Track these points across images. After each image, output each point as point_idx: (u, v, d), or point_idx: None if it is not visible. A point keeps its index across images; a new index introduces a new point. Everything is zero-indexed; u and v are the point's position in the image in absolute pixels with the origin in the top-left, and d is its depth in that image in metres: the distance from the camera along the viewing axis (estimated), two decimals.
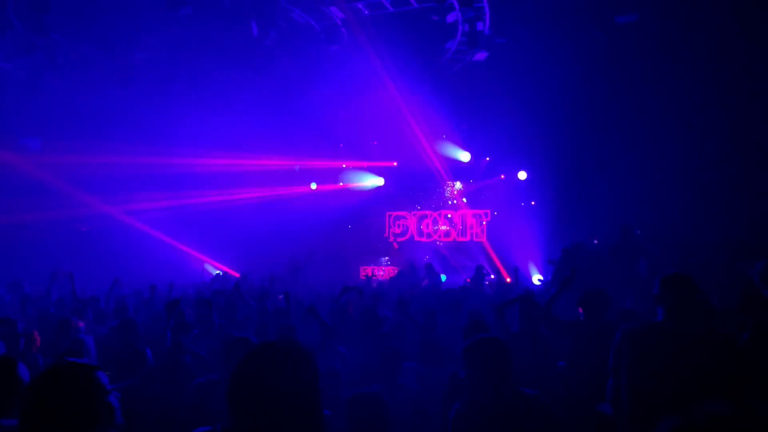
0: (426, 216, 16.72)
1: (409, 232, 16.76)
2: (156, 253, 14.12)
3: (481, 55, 11.13)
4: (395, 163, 16.69)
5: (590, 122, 13.04)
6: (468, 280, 12.71)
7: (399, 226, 16.83)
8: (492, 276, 13.83)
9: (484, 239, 16.02)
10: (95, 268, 11.85)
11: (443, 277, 13.88)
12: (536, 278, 13.70)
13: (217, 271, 14.16)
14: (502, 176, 15.91)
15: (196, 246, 15.25)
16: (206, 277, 14.01)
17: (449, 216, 16.57)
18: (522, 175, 15.34)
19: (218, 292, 9.06)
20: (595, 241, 11.89)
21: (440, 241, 16.55)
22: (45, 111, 13.55)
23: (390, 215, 16.86)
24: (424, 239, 16.64)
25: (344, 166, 16.99)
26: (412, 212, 16.79)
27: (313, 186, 17.00)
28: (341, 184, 17.20)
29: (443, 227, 16.64)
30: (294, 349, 2.06)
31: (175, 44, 11.69)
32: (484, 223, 16.15)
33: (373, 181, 17.17)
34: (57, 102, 13.33)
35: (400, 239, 16.75)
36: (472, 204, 16.38)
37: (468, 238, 16.33)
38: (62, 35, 11.76)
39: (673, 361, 3.33)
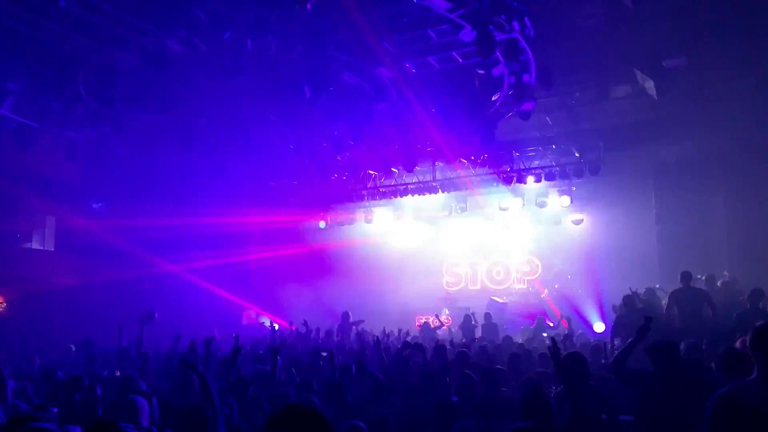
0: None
1: (463, 280, 16.68)
2: (216, 308, 14.47)
3: (529, 105, 11.21)
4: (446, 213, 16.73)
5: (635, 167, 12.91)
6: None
7: (453, 274, 16.77)
8: (551, 324, 13.57)
9: (540, 288, 15.81)
10: (158, 326, 12.21)
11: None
12: (598, 326, 13.34)
13: (274, 324, 14.34)
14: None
15: (256, 301, 15.57)
16: (264, 330, 14.20)
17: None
18: None
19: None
20: (657, 286, 11.65)
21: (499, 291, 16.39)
22: (109, 176, 14.29)
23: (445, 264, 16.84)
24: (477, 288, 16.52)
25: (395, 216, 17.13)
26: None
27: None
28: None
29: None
30: (310, 415, 2.13)
31: (232, 109, 12.24)
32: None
33: (423, 231, 17.25)
34: (121, 166, 14.07)
35: (453, 288, 16.67)
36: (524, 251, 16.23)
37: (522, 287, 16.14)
38: (126, 104, 12.49)
39: None
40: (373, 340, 8.40)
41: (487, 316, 13.97)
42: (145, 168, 13.88)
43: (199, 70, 11.51)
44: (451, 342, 10.95)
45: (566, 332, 12.08)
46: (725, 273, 11.01)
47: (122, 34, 10.70)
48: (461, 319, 14.30)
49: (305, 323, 11.37)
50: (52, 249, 15.92)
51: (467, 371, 6.31)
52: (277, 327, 14.62)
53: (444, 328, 14.15)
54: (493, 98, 11.20)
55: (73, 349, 10.36)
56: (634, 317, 8.63)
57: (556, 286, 15.86)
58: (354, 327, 13.17)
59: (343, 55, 10.40)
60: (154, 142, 13.15)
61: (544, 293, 15.64)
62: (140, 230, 14.54)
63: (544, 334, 11.97)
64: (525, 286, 16.38)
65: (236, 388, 5.86)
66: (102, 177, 14.23)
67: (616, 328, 9.80)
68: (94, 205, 15.46)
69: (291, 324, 13.38)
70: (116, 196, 14.87)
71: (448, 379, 6.81)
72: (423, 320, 15.74)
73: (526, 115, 11.38)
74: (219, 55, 11.04)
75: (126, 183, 14.27)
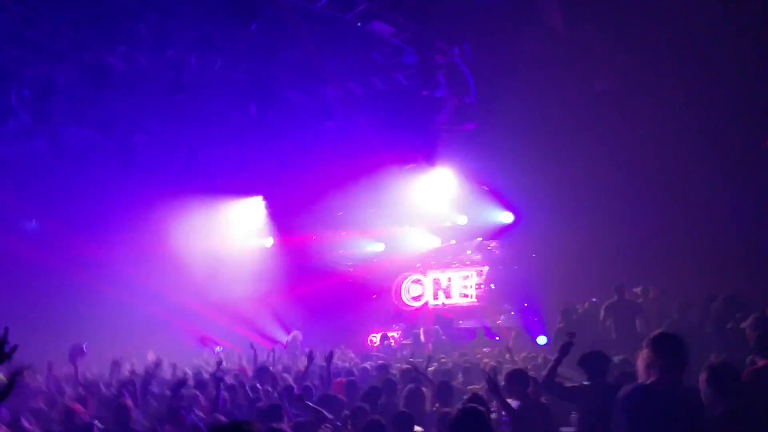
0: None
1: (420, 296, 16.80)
2: (159, 333, 14.05)
3: (470, 126, 11.62)
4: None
5: (577, 183, 13.47)
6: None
7: (412, 290, 16.85)
8: (497, 338, 13.88)
9: (483, 300, 16.14)
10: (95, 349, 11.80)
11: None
12: (540, 339, 13.75)
13: (218, 348, 14.12)
14: (479, 239, 16.23)
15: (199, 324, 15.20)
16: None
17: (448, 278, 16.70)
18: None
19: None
20: (594, 300, 12.02)
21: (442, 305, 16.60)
22: (43, 193, 13.76)
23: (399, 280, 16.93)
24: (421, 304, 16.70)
25: (343, 234, 17.17)
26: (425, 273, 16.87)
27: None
28: (341, 251, 17.36)
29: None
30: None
31: (174, 126, 12.10)
32: (482, 284, 16.31)
33: (373, 248, 17.31)
34: (56, 184, 13.57)
35: (413, 302, 16.75)
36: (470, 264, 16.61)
37: (466, 300, 16.44)
38: (63, 119, 12.12)
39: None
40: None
41: (436, 332, 14.20)
42: (82, 185, 13.46)
43: (140, 86, 11.34)
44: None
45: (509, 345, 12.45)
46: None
47: (61, 48, 10.44)
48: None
49: (252, 345, 11.12)
50: None
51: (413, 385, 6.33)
52: (220, 349, 14.39)
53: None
54: (436, 119, 11.53)
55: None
56: (571, 329, 8.97)
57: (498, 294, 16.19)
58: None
59: (288, 73, 10.52)
60: (92, 159, 12.79)
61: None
62: (75, 250, 14.06)
63: (485, 349, 12.20)
64: (472, 300, 16.62)
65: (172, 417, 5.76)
66: (36, 194, 13.70)
67: (554, 341, 10.12)
68: (26, 224, 14.82)
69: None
70: (51, 215, 14.30)
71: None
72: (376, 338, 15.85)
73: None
74: (161, 72, 10.96)
75: (61, 201, 13.78)
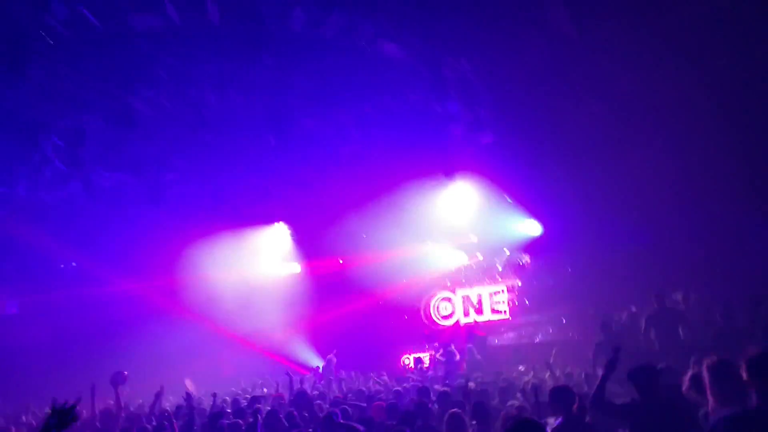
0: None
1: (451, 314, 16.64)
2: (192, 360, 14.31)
3: (487, 138, 11.63)
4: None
5: (606, 188, 13.26)
6: None
7: (442, 308, 16.71)
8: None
9: (516, 316, 15.90)
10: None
11: None
12: None
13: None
14: (507, 252, 16.01)
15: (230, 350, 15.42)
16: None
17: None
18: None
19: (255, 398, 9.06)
20: (633, 309, 11.63)
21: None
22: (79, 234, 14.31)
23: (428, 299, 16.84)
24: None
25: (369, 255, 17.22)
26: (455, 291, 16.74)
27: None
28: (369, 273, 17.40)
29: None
30: None
31: (198, 160, 12.50)
32: (515, 299, 16.08)
33: (401, 268, 17.27)
34: (93, 226, 14.11)
35: (444, 320, 16.59)
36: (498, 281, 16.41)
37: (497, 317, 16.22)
38: (94, 164, 12.66)
39: None
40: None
41: (470, 350, 14.01)
42: (116, 225, 13.98)
43: (164, 126, 11.78)
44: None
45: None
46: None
47: (87, 97, 10.97)
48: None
49: (287, 372, 11.08)
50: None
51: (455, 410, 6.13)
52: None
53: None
54: (451, 132, 11.60)
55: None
56: (612, 342, 8.60)
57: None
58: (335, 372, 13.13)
59: (303, 101, 10.78)
60: (124, 199, 13.29)
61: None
62: (112, 287, 14.56)
63: (521, 367, 11.98)
64: (505, 316, 16.39)
65: None
66: (73, 236, 14.26)
67: (596, 355, 9.67)
68: (64, 267, 15.41)
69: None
70: (88, 255, 14.85)
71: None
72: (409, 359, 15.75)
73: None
74: (183, 111, 11.40)
75: (97, 241, 14.32)
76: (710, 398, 3.95)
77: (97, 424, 7.92)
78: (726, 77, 10.67)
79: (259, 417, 6.82)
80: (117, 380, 8.44)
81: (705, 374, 4.03)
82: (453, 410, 6.11)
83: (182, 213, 13.82)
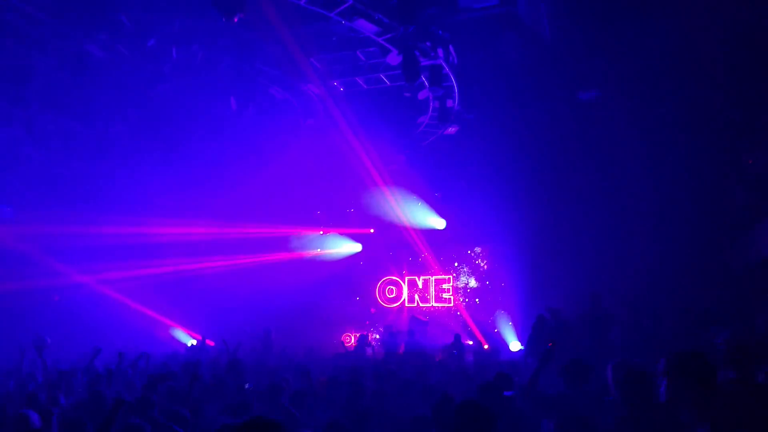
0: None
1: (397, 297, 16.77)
2: (131, 322, 13.94)
3: (452, 129, 11.57)
4: (371, 230, 16.85)
5: (557, 191, 13.49)
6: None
7: (388, 291, 16.82)
8: (470, 342, 13.93)
9: (459, 306, 16.13)
10: (70, 338, 11.67)
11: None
12: (514, 345, 13.77)
13: (192, 341, 13.98)
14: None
15: (170, 314, 15.08)
16: (181, 347, 13.79)
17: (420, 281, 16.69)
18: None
19: (191, 363, 8.92)
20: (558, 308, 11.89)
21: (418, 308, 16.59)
22: (20, 180, 13.58)
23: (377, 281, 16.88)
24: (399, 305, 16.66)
25: (321, 233, 17.10)
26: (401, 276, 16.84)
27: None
28: (319, 251, 17.28)
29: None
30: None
31: (153, 116, 11.94)
32: (460, 289, 16.31)
33: (350, 247, 17.25)
34: (32, 171, 13.39)
35: (389, 304, 16.72)
36: (445, 270, 16.56)
37: (442, 304, 16.43)
38: (41, 107, 11.94)
39: None
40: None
41: (410, 333, 14.16)
42: (59, 173, 13.28)
43: (120, 75, 11.19)
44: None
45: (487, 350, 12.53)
46: None
47: (40, 35, 10.26)
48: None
49: (224, 341, 10.95)
50: None
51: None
52: (194, 343, 14.26)
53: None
54: (418, 121, 11.48)
55: None
56: (545, 338, 8.97)
57: (477, 300, 16.22)
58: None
59: (270, 69, 10.41)
60: (70, 147, 12.61)
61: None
62: (51, 238, 13.88)
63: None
64: (449, 305, 16.63)
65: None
66: (12, 181, 13.50)
67: (529, 349, 10.04)
68: (1, 209, 14.58)
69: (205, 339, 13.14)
70: (27, 202, 14.10)
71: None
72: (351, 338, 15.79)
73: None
74: (142, 62, 10.82)
75: (38, 188, 13.59)
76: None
77: None
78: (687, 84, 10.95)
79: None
80: (38, 344, 8.15)
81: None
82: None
83: (129, 165, 13.26)
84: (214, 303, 15.22)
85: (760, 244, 10.77)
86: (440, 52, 10.05)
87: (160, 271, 14.95)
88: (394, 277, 16.84)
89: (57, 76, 11.11)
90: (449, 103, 10.98)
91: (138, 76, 10.96)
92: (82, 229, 14.04)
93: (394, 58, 9.78)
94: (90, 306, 14.30)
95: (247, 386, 7.02)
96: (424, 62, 10.05)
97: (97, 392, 6.05)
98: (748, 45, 9.90)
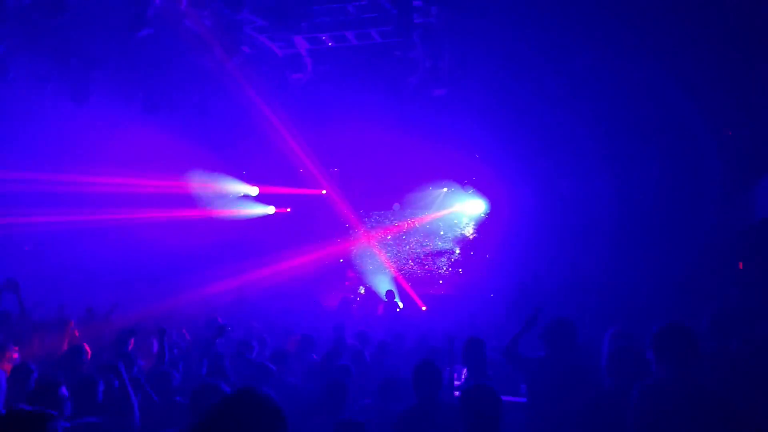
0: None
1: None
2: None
3: (441, 91, 11.39)
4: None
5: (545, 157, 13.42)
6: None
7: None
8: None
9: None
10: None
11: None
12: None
13: None
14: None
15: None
16: None
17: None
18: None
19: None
20: None
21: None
22: None
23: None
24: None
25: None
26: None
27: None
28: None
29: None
30: (266, 403, 2.05)
31: (134, 63, 11.49)
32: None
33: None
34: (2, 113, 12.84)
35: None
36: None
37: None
38: (12, 47, 11.38)
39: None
40: None
41: (389, 293, 14.23)
42: (30, 117, 12.77)
43: (100, 18, 10.68)
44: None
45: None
46: None
47: None
48: None
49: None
50: None
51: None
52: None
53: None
54: (407, 81, 11.25)
55: None
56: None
57: (461, 270, 16.30)
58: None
59: (257, 18, 10.02)
60: (44, 91, 12.09)
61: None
62: (19, 183, 13.42)
63: None
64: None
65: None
66: None
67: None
68: None
69: None
70: None
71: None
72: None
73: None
74: (123, 5, 10.33)
75: (7, 131, 13.06)
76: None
77: None
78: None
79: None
80: (8, 287, 7.89)
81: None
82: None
83: (104, 114, 12.77)
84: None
85: (733, 219, 10.86)
86: (434, 9, 9.81)
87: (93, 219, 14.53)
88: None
89: (32, 15, 10.58)
90: (440, 64, 10.75)
91: (119, 19, 10.46)
92: (53, 175, 13.60)
93: (386, 13, 9.56)
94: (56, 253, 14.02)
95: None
96: (418, 19, 9.81)
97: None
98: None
